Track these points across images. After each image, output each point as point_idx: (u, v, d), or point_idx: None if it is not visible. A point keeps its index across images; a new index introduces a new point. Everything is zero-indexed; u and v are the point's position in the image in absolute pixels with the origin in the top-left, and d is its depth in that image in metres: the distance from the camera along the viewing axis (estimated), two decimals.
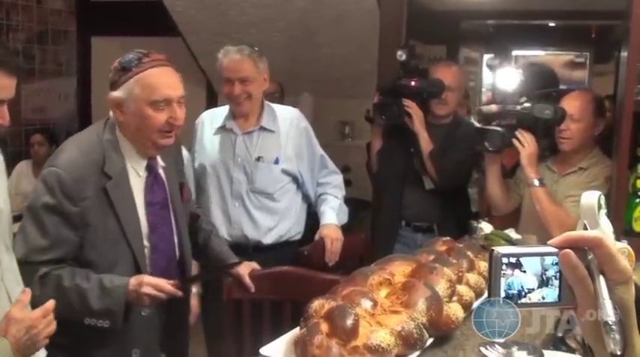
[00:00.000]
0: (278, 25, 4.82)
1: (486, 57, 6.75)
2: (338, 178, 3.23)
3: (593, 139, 3.00)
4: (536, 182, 2.89)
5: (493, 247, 0.85)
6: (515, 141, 2.92)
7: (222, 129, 3.02)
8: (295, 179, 3.07)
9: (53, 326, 1.70)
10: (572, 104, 2.94)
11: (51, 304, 1.71)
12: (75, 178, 2.01)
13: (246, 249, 2.94)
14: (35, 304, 1.94)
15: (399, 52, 3.37)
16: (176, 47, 5.11)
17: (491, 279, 0.84)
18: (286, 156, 3.01)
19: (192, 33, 5.07)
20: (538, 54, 7.00)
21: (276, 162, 2.99)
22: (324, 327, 1.65)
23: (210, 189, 3.00)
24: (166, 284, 2.06)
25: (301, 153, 3.07)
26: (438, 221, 3.39)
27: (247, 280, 2.48)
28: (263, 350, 1.72)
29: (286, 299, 2.46)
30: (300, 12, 4.69)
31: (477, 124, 3.54)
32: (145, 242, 2.15)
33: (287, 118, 3.08)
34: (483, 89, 6.94)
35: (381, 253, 2.43)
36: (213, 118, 3.09)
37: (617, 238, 2.28)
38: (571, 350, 1.71)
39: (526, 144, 2.90)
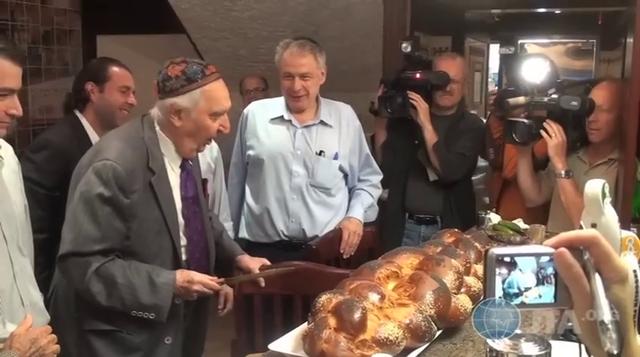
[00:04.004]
0: (283, 19, 4.80)
1: (494, 47, 6.71)
2: (377, 178, 3.24)
3: None
4: (563, 173, 2.89)
5: (488, 248, 0.85)
6: (542, 132, 2.91)
7: (279, 120, 3.00)
8: (346, 176, 3.09)
9: (57, 346, 1.74)
10: (600, 95, 2.93)
11: (49, 328, 1.78)
12: (128, 171, 2.10)
13: (299, 244, 2.98)
14: (92, 302, 2.09)
15: (404, 44, 3.36)
16: (181, 44, 5.12)
17: (487, 279, 0.84)
18: (343, 152, 3.03)
19: (197, 29, 5.06)
20: (544, 42, 6.95)
21: (336, 157, 3.01)
22: (332, 321, 1.66)
23: (267, 180, 3.00)
24: (214, 283, 2.22)
25: (354, 150, 3.10)
26: (442, 213, 3.40)
27: None
28: (272, 346, 1.73)
29: (297, 294, 2.48)
30: (305, 5, 4.68)
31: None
32: (181, 234, 2.27)
33: (343, 114, 3.09)
34: (490, 79, 6.91)
35: (389, 246, 2.43)
36: (266, 108, 3.08)
37: (626, 227, 2.27)
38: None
39: (553, 135, 2.89)
